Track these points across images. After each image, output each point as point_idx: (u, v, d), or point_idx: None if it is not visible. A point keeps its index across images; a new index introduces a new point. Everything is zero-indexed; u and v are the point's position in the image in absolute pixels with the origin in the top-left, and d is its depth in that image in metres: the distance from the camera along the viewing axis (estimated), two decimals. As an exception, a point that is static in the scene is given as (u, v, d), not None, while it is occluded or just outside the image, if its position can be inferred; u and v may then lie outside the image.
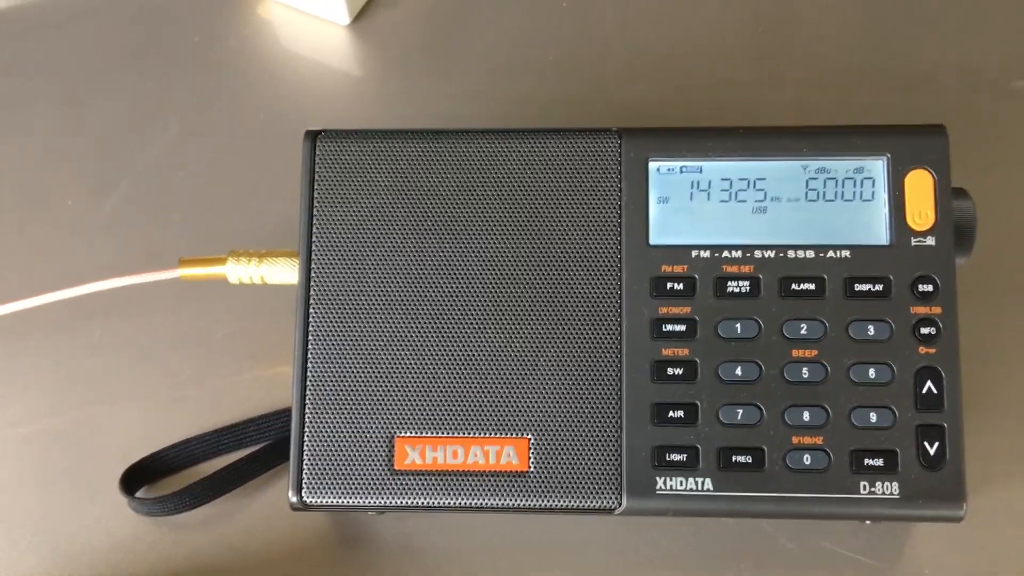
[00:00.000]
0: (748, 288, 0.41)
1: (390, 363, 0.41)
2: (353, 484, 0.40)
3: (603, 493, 0.40)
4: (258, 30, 0.56)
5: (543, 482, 0.40)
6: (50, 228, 0.52)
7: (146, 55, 0.55)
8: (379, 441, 0.41)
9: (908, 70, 0.52)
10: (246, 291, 0.48)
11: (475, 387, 0.41)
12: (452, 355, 0.41)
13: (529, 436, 0.41)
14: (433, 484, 0.40)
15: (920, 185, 0.41)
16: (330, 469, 0.41)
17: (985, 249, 0.43)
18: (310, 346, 0.41)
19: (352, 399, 0.41)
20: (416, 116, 0.53)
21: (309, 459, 0.41)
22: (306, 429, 0.41)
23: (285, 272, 0.44)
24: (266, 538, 0.45)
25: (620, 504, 0.40)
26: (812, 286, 0.41)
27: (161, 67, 0.55)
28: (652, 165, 0.42)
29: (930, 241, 0.41)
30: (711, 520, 0.44)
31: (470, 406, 0.41)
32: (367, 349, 0.41)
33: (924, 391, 0.40)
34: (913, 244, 0.41)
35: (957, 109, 0.50)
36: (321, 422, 0.41)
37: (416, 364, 0.41)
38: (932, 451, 0.39)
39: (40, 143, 0.54)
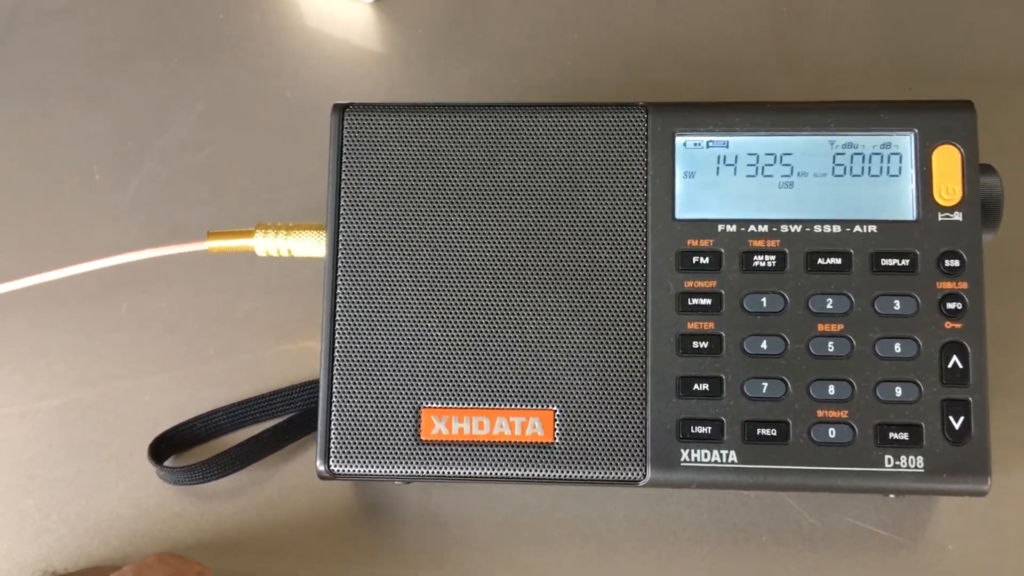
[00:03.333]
0: (774, 262, 0.41)
1: (417, 335, 0.42)
2: (380, 454, 0.41)
3: (628, 465, 0.40)
4: (282, 7, 0.56)
5: (568, 453, 0.41)
6: (76, 205, 0.52)
7: (171, 33, 0.56)
8: (406, 411, 0.41)
9: (932, 51, 0.52)
10: (270, 267, 0.48)
11: (501, 359, 0.41)
12: (478, 327, 0.41)
13: (554, 408, 0.41)
14: (459, 454, 0.41)
15: (947, 161, 0.41)
16: (357, 439, 0.41)
17: (1008, 235, 0.43)
18: (338, 317, 0.42)
19: (379, 370, 0.41)
20: (440, 93, 0.53)
21: (337, 429, 0.41)
22: (334, 399, 0.41)
23: (312, 245, 0.45)
24: (292, 507, 0.46)
25: (645, 476, 0.40)
26: (838, 261, 0.41)
27: (186, 45, 0.55)
28: (679, 140, 0.42)
29: (957, 216, 0.41)
30: (733, 493, 0.44)
31: (496, 378, 0.41)
32: (394, 320, 0.42)
33: (950, 366, 0.40)
34: (940, 219, 0.41)
35: (981, 92, 0.50)
36: (348, 392, 0.41)
37: (443, 336, 0.41)
38: (957, 425, 0.39)
39: (67, 121, 0.54)
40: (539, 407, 0.41)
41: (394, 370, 0.41)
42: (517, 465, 0.41)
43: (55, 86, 0.55)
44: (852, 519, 0.44)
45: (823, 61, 0.52)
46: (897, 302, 0.40)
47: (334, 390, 0.41)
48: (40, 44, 0.56)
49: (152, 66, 0.55)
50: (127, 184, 0.53)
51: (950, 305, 0.40)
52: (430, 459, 0.41)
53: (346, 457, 0.41)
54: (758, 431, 0.40)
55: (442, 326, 0.42)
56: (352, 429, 0.41)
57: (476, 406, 0.41)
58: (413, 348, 0.41)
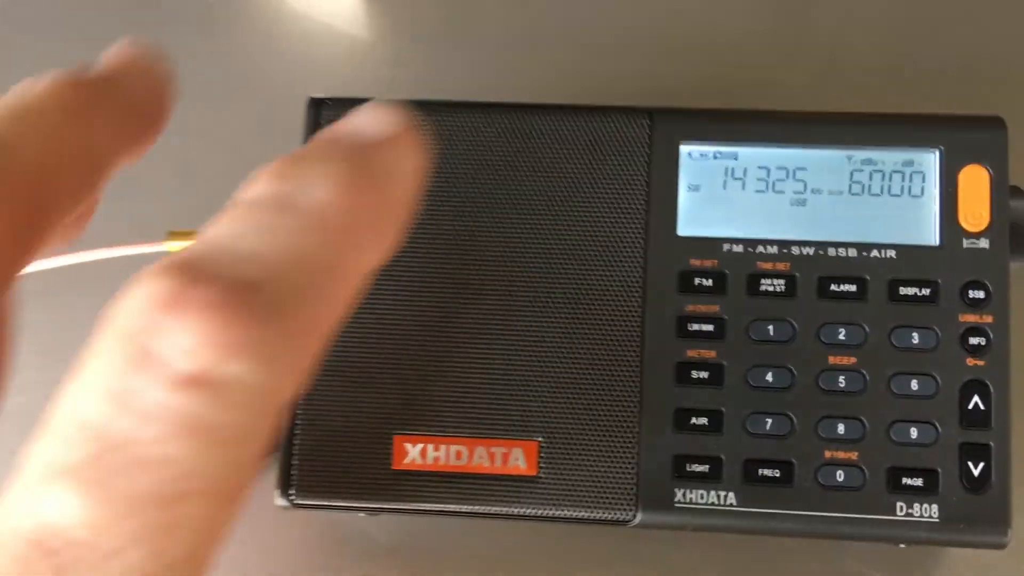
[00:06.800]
0: (783, 287, 0.38)
1: (391, 354, 0.38)
2: (347, 484, 0.37)
3: (617, 503, 0.37)
4: (263, -11, 0.52)
5: (552, 489, 0.37)
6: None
7: (143, 13, 0.52)
8: (376, 438, 0.38)
9: (956, 59, 0.48)
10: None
11: (482, 384, 0.38)
12: (458, 348, 0.38)
13: (539, 438, 0.37)
14: (433, 486, 0.37)
15: (975, 182, 0.38)
16: (322, 467, 0.37)
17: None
18: (305, 332, 0.38)
19: (348, 391, 0.38)
20: (428, 84, 0.49)
21: (300, 456, 0.38)
22: (298, 422, 0.38)
23: (281, 250, 0.41)
24: (252, 533, 0.42)
25: (635, 516, 0.37)
26: (853, 287, 0.38)
27: (159, 26, 0.52)
28: (683, 149, 0.39)
29: (983, 243, 0.38)
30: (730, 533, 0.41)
31: (476, 404, 0.38)
32: (367, 337, 0.38)
33: (970, 406, 0.37)
34: (965, 246, 0.38)
35: (1008, 102, 0.47)
36: (314, 416, 0.38)
37: (419, 357, 0.38)
38: (976, 472, 0.36)
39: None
40: (523, 437, 0.37)
41: (364, 392, 0.38)
42: (497, 500, 0.37)
43: (20, 67, 0.51)
44: (857, 564, 0.41)
45: (832, 61, 0.49)
46: (916, 335, 0.37)
47: (298, 412, 0.38)
48: (2, 24, 0.52)
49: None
50: (88, 173, 0.49)
51: (973, 340, 0.37)
52: (402, 491, 0.37)
53: (309, 487, 0.37)
54: (760, 471, 0.37)
55: (419, 345, 0.38)
56: (317, 456, 0.38)
57: (454, 434, 0.38)
58: (386, 368, 0.38)
